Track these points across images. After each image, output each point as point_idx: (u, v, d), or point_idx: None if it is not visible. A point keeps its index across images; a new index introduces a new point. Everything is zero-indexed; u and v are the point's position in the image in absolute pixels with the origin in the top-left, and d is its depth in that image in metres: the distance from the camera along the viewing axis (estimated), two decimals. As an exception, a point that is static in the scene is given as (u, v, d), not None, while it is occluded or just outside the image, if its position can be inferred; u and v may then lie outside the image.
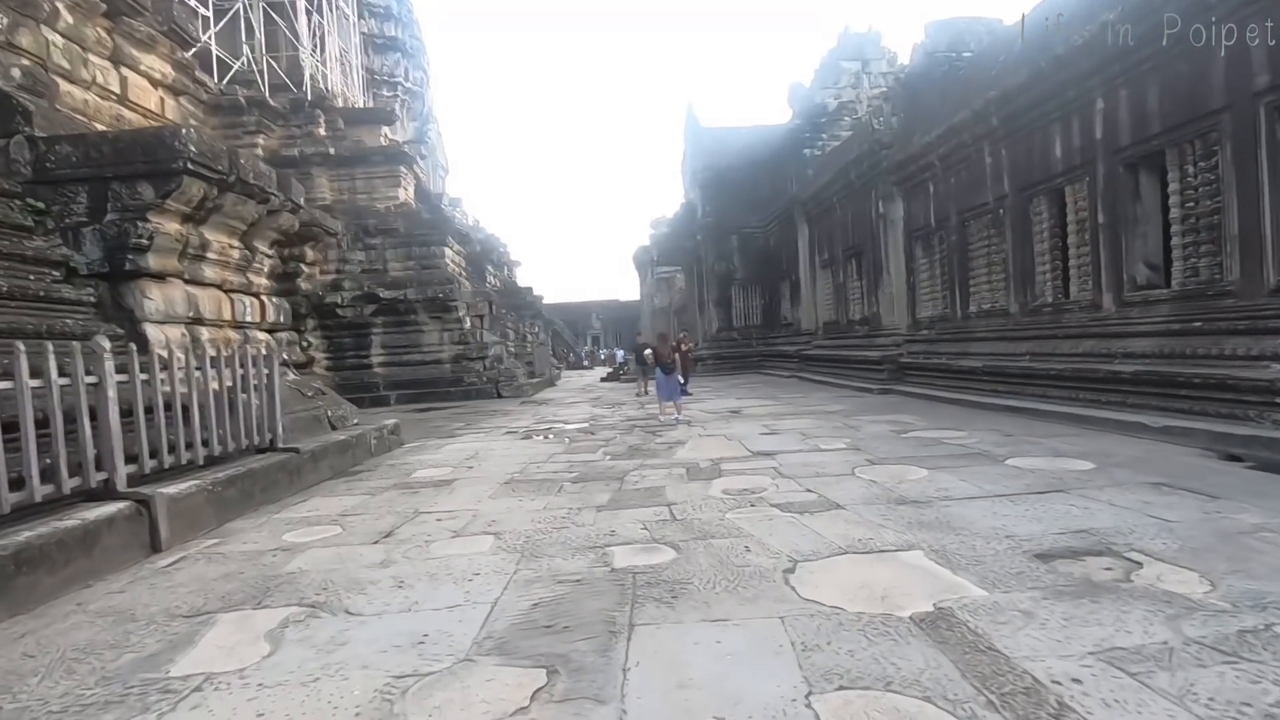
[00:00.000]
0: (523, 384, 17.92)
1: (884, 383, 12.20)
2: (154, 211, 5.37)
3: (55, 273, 5.16)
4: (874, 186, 13.74)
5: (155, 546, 3.97)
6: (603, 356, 44.58)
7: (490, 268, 29.41)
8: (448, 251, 18.19)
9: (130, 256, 5.28)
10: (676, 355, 10.30)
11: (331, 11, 23.28)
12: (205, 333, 6.04)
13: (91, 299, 5.26)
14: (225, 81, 18.63)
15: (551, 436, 8.62)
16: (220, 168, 5.62)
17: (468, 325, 17.29)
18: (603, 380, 23.64)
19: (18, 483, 3.43)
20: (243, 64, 19.73)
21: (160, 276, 5.54)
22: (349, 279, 17.17)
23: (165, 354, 4.96)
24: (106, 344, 4.00)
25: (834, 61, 20.41)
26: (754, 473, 5.40)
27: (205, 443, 4.89)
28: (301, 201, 7.01)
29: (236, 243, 6.46)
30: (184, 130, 5.28)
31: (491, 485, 5.45)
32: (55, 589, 3.29)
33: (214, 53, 18.67)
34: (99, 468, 3.92)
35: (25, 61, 5.64)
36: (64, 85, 6.00)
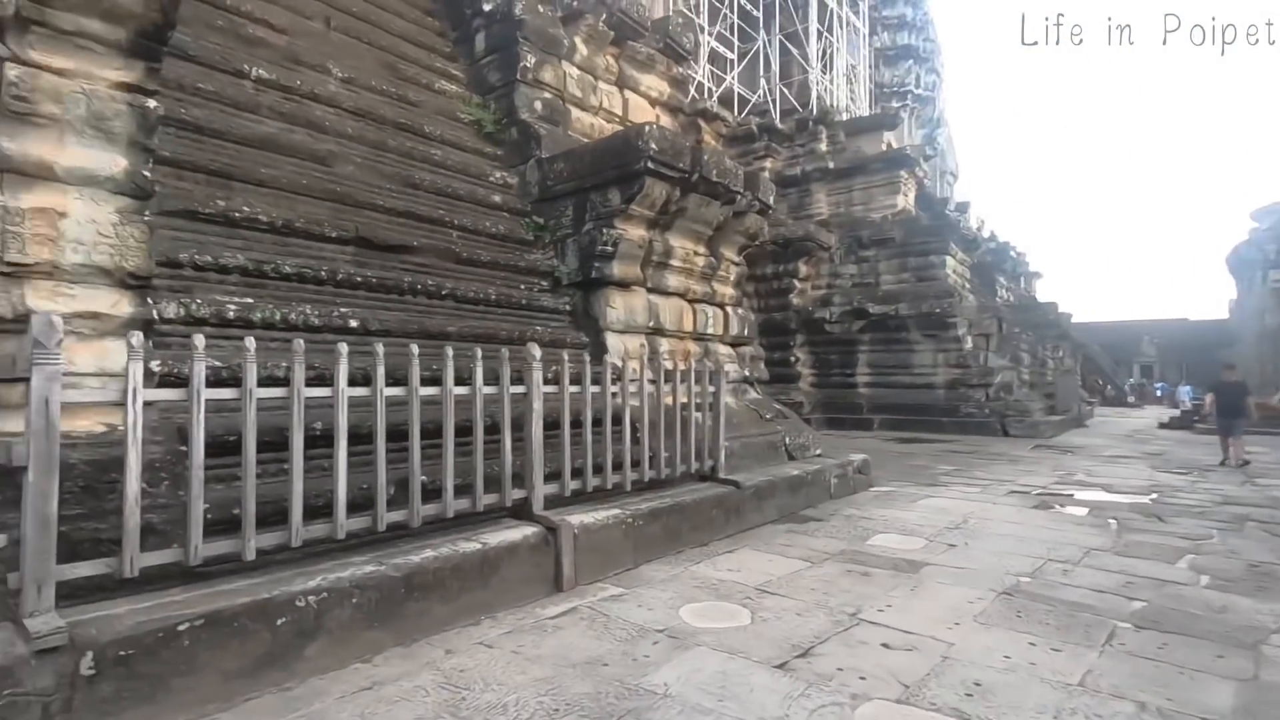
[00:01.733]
0: (1038, 421, 14.28)
1: None
2: (620, 218, 5.23)
3: (543, 282, 5.45)
4: None
5: (558, 584, 3.48)
6: (1159, 394, 34.29)
7: (1001, 279, 25.31)
8: (949, 260, 15.86)
9: (597, 264, 5.23)
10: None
11: (842, 29, 23.30)
12: (665, 344, 5.74)
13: (568, 307, 5.40)
14: (744, 114, 20.31)
15: (1086, 511, 5.90)
16: (681, 165, 5.17)
17: (968, 345, 14.65)
18: (1162, 426, 17.48)
19: (434, 494, 3.29)
20: (759, 96, 21.23)
21: (624, 285, 5.39)
22: (839, 293, 16.51)
23: (619, 364, 4.67)
24: (537, 351, 3.72)
25: None
26: None
27: (636, 464, 4.38)
28: (770, 201, 6.24)
29: (702, 249, 6.04)
30: (646, 128, 4.97)
31: (980, 592, 3.53)
32: (443, 621, 2.96)
33: (735, 90, 20.55)
34: (517, 485, 3.64)
35: (546, 94, 6.27)
36: (575, 112, 6.54)
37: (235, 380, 2.66)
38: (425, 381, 3.22)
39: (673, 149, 5.09)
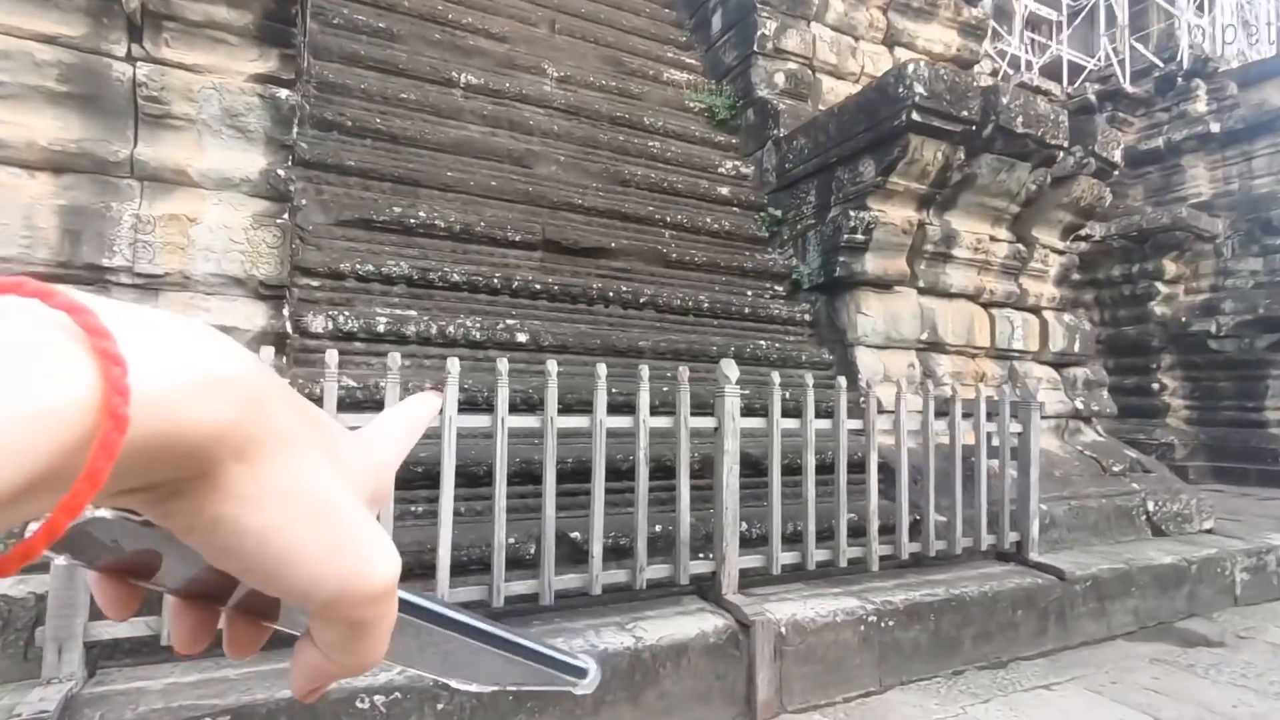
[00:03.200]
0: None
1: None
2: (875, 195, 3.95)
3: (776, 287, 4.40)
4: None
5: (749, 709, 2.40)
6: None
7: None
8: None
9: (843, 259, 4.00)
10: None
11: (1227, -46, 17.76)
12: (944, 363, 4.23)
13: (807, 317, 4.27)
14: (1076, 84, 16.48)
15: None
16: (965, 114, 3.72)
17: None
18: None
19: (581, 556, 2.48)
20: (1098, 60, 17.10)
21: (882, 284, 4.07)
22: (1231, 298, 12.14)
23: (865, 387, 3.44)
24: (733, 372, 2.71)
25: None
26: None
27: (887, 530, 3.07)
28: (1115, 157, 4.32)
29: (1002, 232, 4.40)
30: (910, 67, 3.64)
31: None
32: (569, 746, 2.12)
33: (1064, 58, 16.82)
34: (700, 554, 2.65)
35: (791, 65, 5.24)
36: (828, 82, 5.37)
37: (375, 404, 2.19)
38: (569, 409, 2.45)
39: (951, 91, 3.66)
